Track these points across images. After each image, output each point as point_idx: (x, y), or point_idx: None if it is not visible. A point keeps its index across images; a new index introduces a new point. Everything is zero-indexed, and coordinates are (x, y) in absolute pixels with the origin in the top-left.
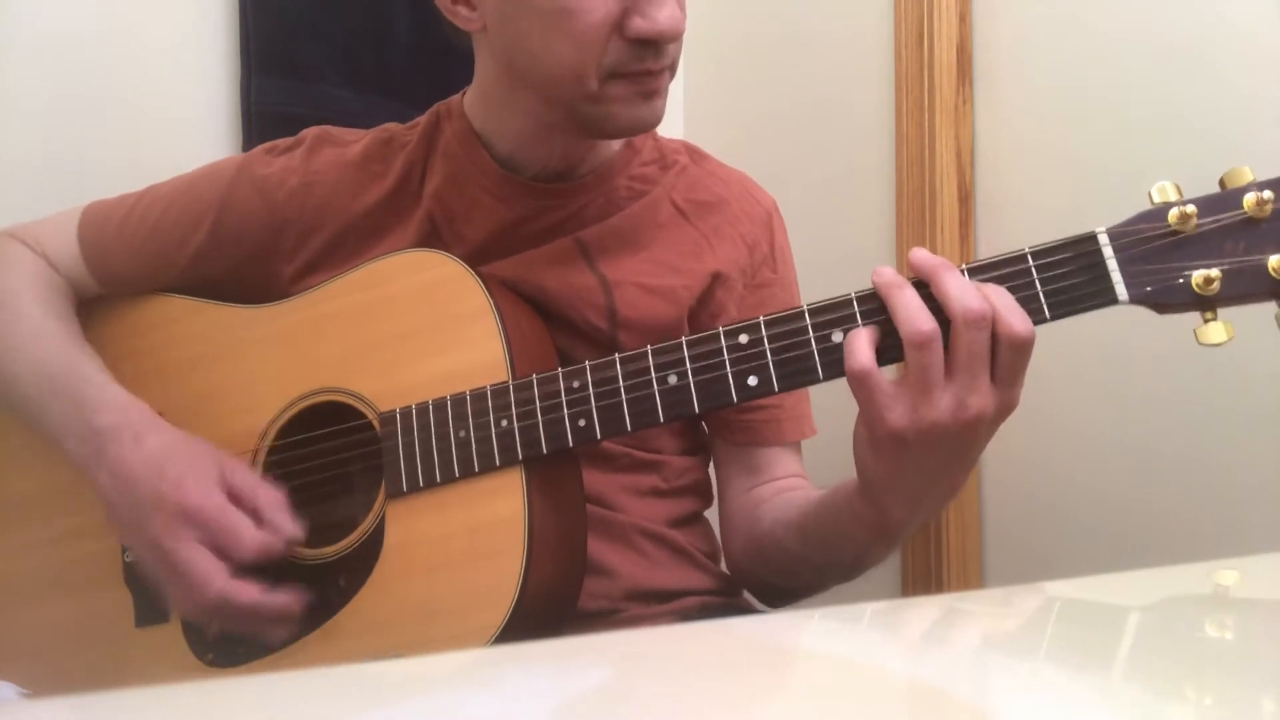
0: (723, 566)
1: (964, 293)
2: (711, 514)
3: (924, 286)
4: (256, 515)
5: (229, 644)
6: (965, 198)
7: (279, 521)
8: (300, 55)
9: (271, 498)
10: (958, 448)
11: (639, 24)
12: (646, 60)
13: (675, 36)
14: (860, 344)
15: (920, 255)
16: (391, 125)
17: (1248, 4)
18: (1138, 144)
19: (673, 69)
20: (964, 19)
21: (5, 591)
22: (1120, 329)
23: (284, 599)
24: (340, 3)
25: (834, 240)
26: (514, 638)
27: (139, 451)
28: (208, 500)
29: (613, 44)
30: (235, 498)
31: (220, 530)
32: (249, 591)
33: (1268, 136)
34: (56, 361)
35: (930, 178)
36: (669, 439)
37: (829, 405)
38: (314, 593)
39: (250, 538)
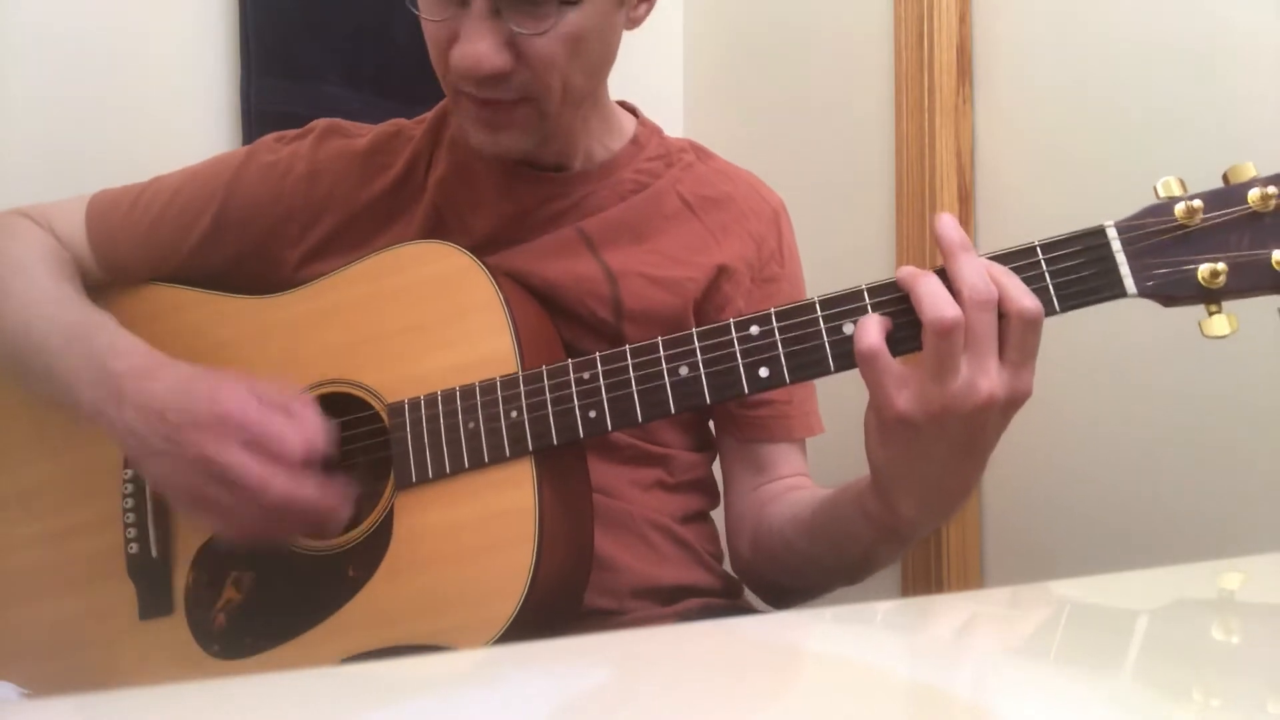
0: (727, 567)
1: (974, 275)
2: (717, 516)
3: (944, 276)
4: (296, 414)
5: (235, 635)
6: (965, 198)
7: (317, 422)
8: (300, 55)
9: (303, 400)
10: (968, 435)
11: (454, 54)
12: (467, 87)
13: (468, 76)
14: (870, 326)
15: (946, 227)
16: (399, 120)
17: (1248, 4)
18: (1138, 144)
19: (537, 105)
20: (964, 19)
21: (5, 588)
22: (1121, 325)
23: (341, 489)
24: (340, 3)
25: (834, 240)
26: (523, 629)
27: (162, 381)
28: (246, 406)
29: (451, 67)
30: (272, 403)
31: (264, 433)
32: (308, 487)
33: (1268, 136)
34: (72, 314)
35: (930, 178)
36: (676, 433)
37: (836, 407)
38: (322, 584)
39: (295, 435)
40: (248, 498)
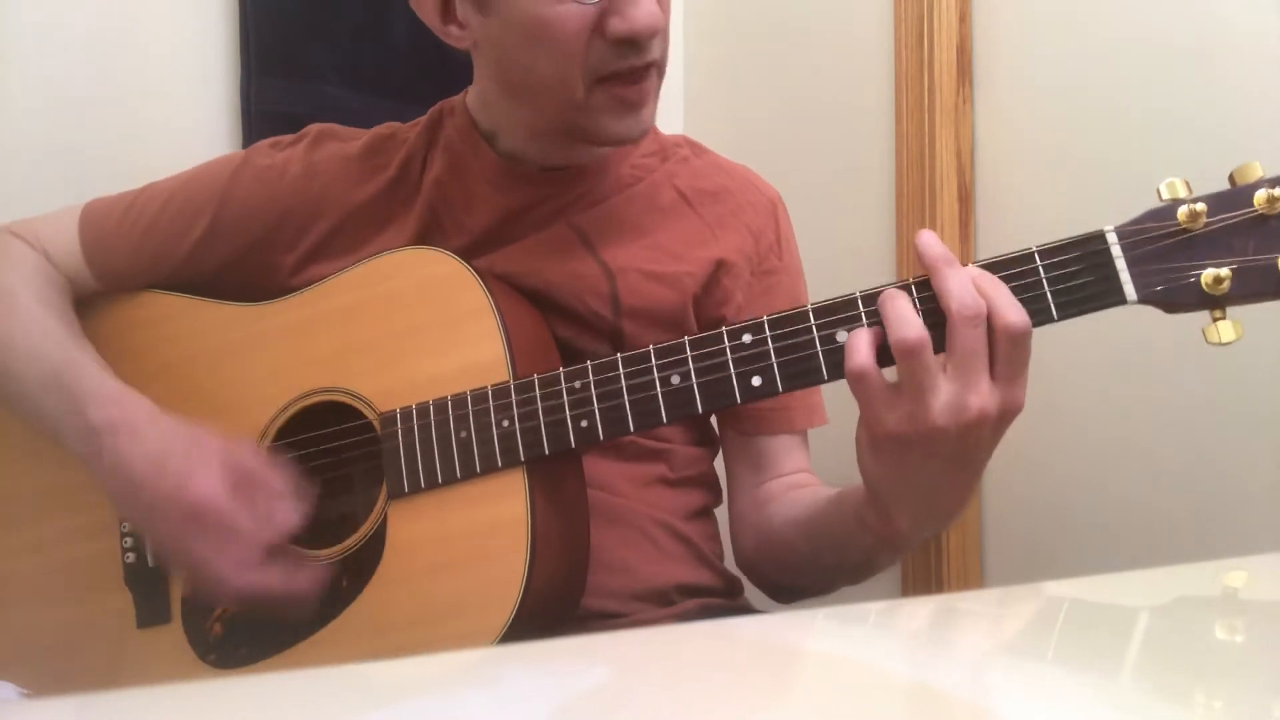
0: (728, 565)
1: (960, 289)
2: (720, 514)
3: (926, 288)
4: (268, 497)
5: (232, 645)
6: (965, 198)
7: (292, 502)
8: (300, 55)
9: (281, 476)
10: (961, 451)
11: (617, 24)
12: (629, 58)
13: (654, 33)
14: (860, 344)
15: (926, 243)
16: (393, 123)
17: (1248, 4)
18: (1138, 144)
19: (660, 70)
20: (964, 19)
21: (6, 592)
22: (1121, 328)
23: (306, 579)
24: (340, 3)
25: (834, 240)
26: (518, 639)
27: (139, 446)
28: (215, 496)
29: (594, 48)
30: (244, 483)
31: (232, 526)
32: (271, 579)
33: (1268, 136)
34: (53, 356)
35: (930, 178)
36: (677, 428)
37: (841, 402)
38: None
39: (263, 527)
40: (210, 587)
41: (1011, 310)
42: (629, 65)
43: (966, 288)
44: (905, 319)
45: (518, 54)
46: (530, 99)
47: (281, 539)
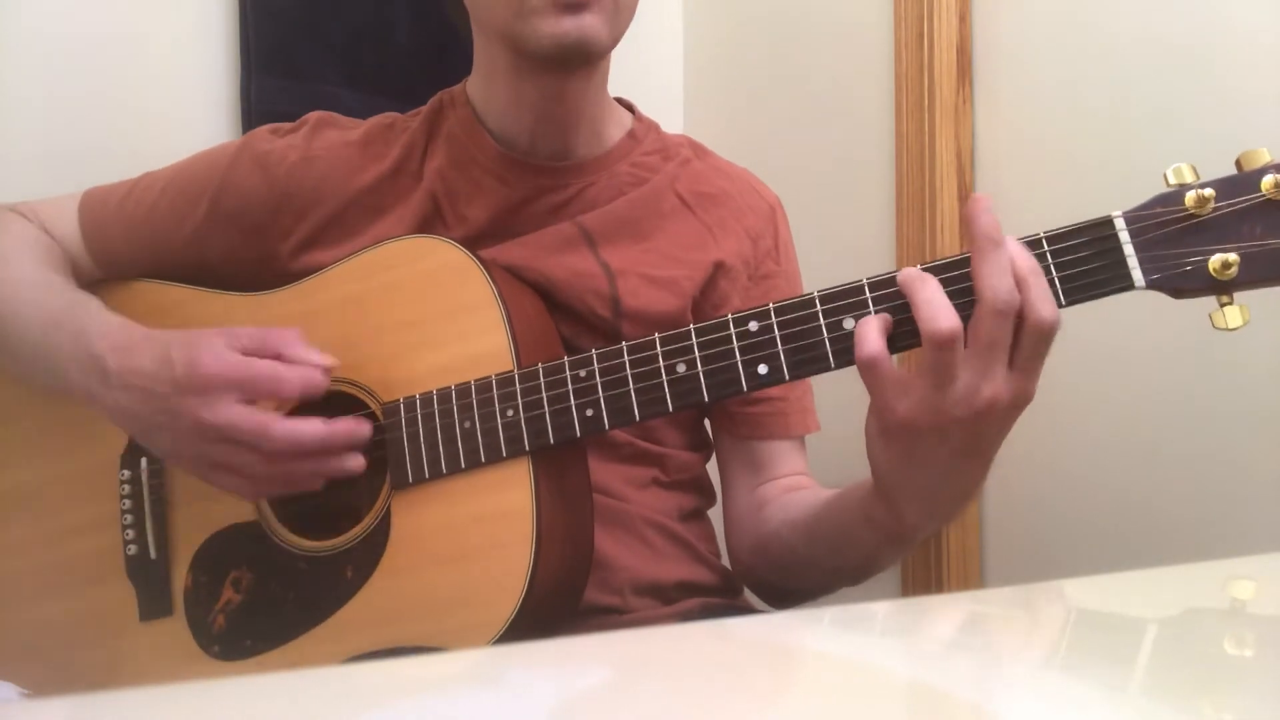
0: (726, 564)
1: (999, 279)
2: (715, 515)
3: (953, 269)
4: (283, 354)
5: (235, 637)
6: (965, 198)
7: (305, 355)
8: (300, 55)
9: (286, 336)
10: (971, 439)
11: None
12: None
13: None
14: (871, 331)
15: (978, 214)
16: (393, 113)
17: (1248, 4)
18: (1138, 143)
19: None
20: (964, 19)
21: (5, 589)
22: (1123, 324)
23: (349, 423)
24: (340, 3)
25: (834, 240)
26: (522, 629)
27: (143, 355)
28: (227, 362)
29: None
30: (255, 349)
31: (252, 381)
32: (313, 425)
33: (1268, 136)
34: (56, 299)
35: (930, 178)
36: (673, 432)
37: (838, 405)
38: (321, 585)
39: (286, 376)
40: (253, 450)
41: (1046, 306)
42: None
43: (1005, 277)
44: (939, 306)
45: None
46: (483, 22)
47: (309, 389)
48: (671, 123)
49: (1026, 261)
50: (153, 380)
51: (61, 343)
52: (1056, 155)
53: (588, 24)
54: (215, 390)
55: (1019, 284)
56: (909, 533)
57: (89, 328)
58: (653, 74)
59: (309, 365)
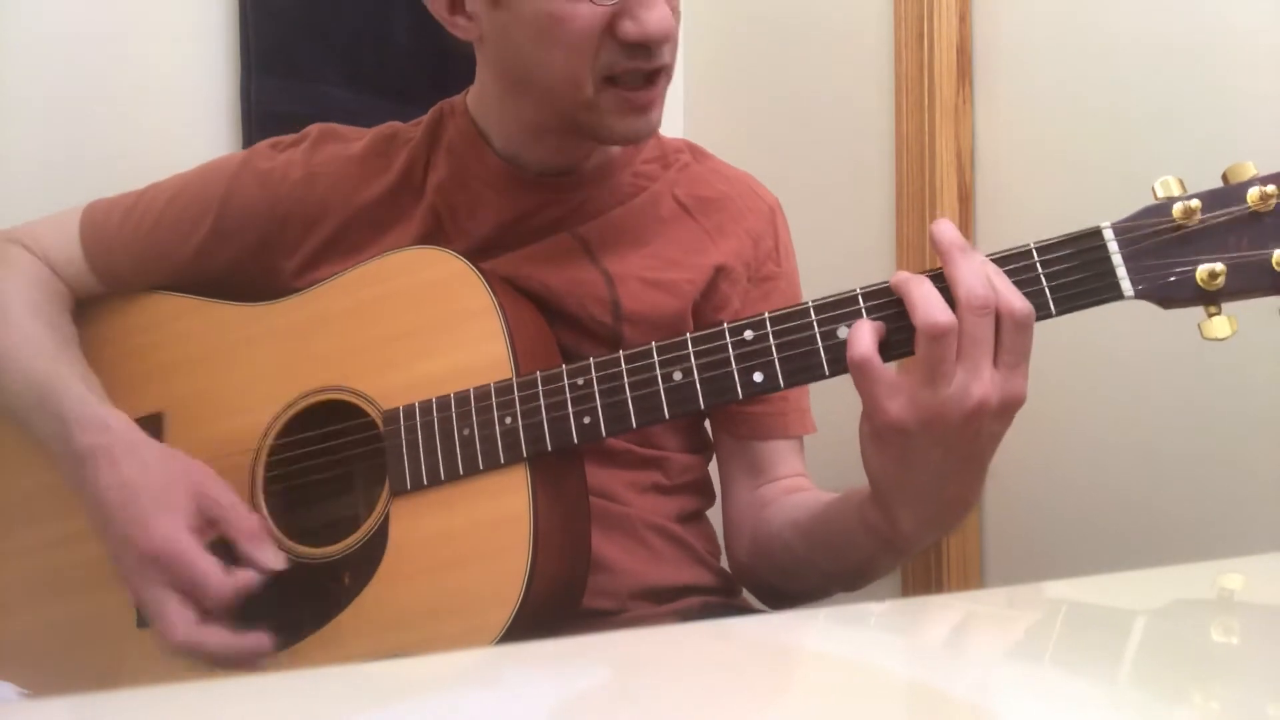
0: (725, 564)
1: (973, 278)
2: (714, 516)
3: (939, 280)
4: (235, 544)
5: None
6: (965, 198)
7: (256, 554)
8: (300, 55)
9: (250, 527)
10: (962, 441)
11: (629, 28)
12: (639, 61)
13: (665, 39)
14: (862, 334)
15: (942, 230)
16: (395, 123)
17: (1248, 4)
18: (1138, 144)
19: (668, 74)
20: (964, 19)
21: (6, 593)
22: (1120, 328)
23: (254, 640)
24: (340, 3)
25: (834, 240)
26: (519, 636)
27: (113, 476)
28: (173, 544)
29: (605, 49)
30: (211, 528)
31: (186, 577)
32: (216, 636)
33: (1268, 136)
34: (42, 372)
35: (930, 178)
36: (672, 436)
37: (837, 409)
38: (319, 592)
39: (218, 583)
40: (157, 632)
41: (1015, 297)
42: (638, 68)
43: (979, 276)
44: (933, 302)
45: (527, 49)
46: (535, 95)
47: (239, 596)
48: (672, 124)
49: (989, 264)
50: (110, 514)
51: (43, 424)
52: (1056, 155)
53: (655, 118)
54: (150, 565)
55: (991, 286)
56: (904, 540)
57: (70, 416)
58: None
59: (256, 563)
